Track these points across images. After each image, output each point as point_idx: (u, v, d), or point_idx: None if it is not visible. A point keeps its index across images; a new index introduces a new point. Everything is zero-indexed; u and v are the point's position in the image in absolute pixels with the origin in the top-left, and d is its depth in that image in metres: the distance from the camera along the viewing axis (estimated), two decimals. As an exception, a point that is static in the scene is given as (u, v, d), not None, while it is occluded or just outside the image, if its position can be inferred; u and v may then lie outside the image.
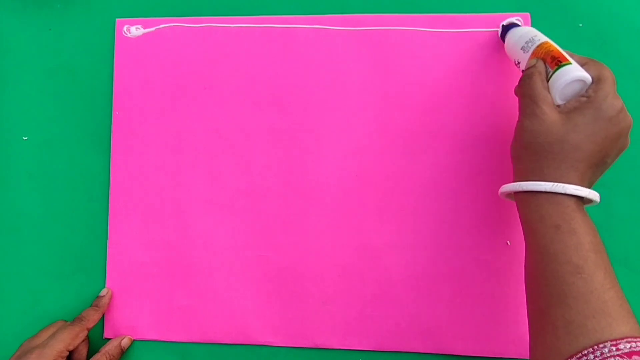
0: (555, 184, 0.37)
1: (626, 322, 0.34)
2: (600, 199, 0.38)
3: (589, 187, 0.38)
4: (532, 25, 0.48)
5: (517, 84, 0.41)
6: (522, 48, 0.42)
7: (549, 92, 0.39)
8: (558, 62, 0.39)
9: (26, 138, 0.51)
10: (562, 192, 0.36)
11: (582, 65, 0.39)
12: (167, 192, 0.49)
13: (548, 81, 0.39)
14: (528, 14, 0.48)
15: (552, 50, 0.40)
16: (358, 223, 0.48)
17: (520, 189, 0.39)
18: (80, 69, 0.51)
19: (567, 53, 0.40)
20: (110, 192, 0.50)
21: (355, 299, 0.47)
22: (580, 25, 0.48)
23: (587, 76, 0.38)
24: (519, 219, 0.46)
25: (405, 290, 0.47)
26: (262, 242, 0.48)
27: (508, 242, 0.46)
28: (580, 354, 0.33)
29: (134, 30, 0.51)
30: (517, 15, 0.48)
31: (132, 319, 0.48)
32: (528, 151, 0.39)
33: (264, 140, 0.49)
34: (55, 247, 0.50)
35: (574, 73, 0.38)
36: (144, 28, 0.51)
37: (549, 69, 0.39)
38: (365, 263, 0.47)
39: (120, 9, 0.51)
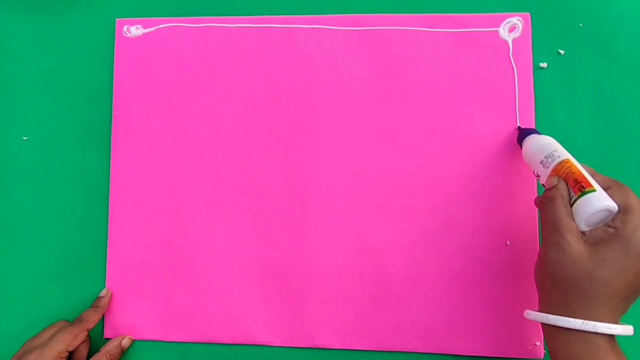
0: (585, 322, 0.35)
1: None
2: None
3: (620, 318, 0.37)
4: (532, 25, 0.48)
5: (538, 198, 0.40)
6: (542, 162, 0.41)
7: (573, 219, 0.37)
8: (582, 188, 0.37)
9: (26, 138, 0.51)
10: (593, 330, 0.35)
11: (607, 188, 0.37)
12: (167, 192, 0.49)
13: (572, 206, 0.38)
14: (528, 14, 0.48)
15: (574, 172, 0.38)
16: (358, 223, 0.48)
17: (548, 322, 0.37)
18: (80, 69, 0.51)
19: (589, 171, 0.39)
20: (110, 192, 0.50)
21: (355, 299, 0.47)
22: (580, 25, 0.48)
23: (613, 205, 0.36)
24: (519, 219, 0.46)
25: (405, 290, 0.47)
26: (262, 242, 0.48)
27: (508, 242, 0.46)
28: None
29: (134, 30, 0.51)
30: (517, 15, 0.48)
31: (132, 319, 0.48)
32: (554, 283, 0.37)
33: (263, 140, 0.49)
34: (55, 247, 0.50)
35: (599, 203, 0.36)
36: (144, 28, 0.51)
37: (572, 193, 0.38)
38: (365, 263, 0.47)
39: (120, 9, 0.51)
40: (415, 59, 0.48)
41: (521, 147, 0.45)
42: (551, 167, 0.40)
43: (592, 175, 0.39)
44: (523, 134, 0.45)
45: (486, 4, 0.49)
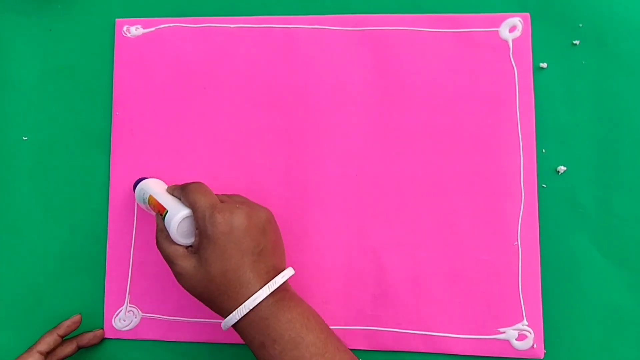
0: (237, 310, 0.37)
1: None
2: (294, 271, 0.40)
3: (275, 271, 0.39)
4: (533, 25, 0.48)
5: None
6: (145, 207, 0.45)
7: (171, 241, 0.40)
8: (159, 214, 0.41)
9: (26, 138, 0.51)
10: (247, 311, 0.37)
11: (179, 198, 0.41)
12: (167, 192, 0.49)
13: None
14: (528, 14, 0.48)
15: (155, 205, 0.42)
16: (358, 223, 0.48)
17: (225, 329, 0.39)
18: (80, 69, 0.51)
19: (170, 189, 0.43)
20: (110, 192, 0.50)
21: (355, 299, 0.47)
22: (580, 25, 0.48)
23: (184, 214, 0.39)
24: (519, 219, 0.46)
25: (405, 290, 0.47)
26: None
27: (515, 243, 0.46)
28: None
29: (134, 30, 0.51)
30: (517, 16, 0.48)
31: (132, 319, 0.48)
32: (202, 300, 0.40)
33: (263, 140, 0.49)
34: (55, 247, 0.50)
35: (172, 221, 0.39)
36: (144, 28, 0.51)
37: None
38: (365, 263, 0.47)
39: (120, 9, 0.51)
40: (415, 59, 0.48)
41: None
42: (149, 208, 0.44)
43: (171, 192, 0.43)
44: (135, 184, 0.47)
45: (486, 4, 0.49)
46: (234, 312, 0.38)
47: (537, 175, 0.47)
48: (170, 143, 0.50)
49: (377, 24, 0.49)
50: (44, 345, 0.45)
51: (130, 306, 0.49)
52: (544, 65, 0.48)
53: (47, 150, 0.51)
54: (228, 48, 0.50)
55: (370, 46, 0.49)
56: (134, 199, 0.49)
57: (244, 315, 0.37)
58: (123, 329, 0.48)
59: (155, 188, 0.44)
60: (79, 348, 0.47)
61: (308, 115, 0.49)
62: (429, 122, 0.48)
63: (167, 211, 0.40)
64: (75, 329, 0.47)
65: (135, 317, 0.48)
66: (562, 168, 0.47)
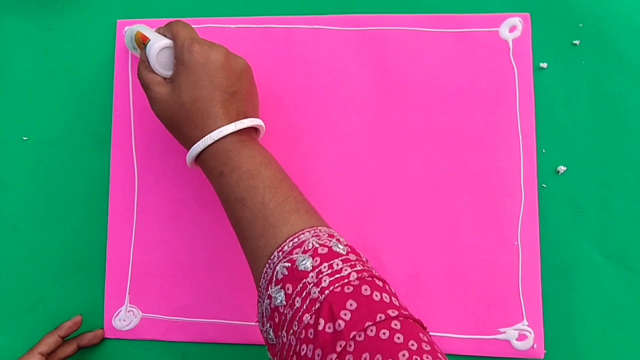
0: (203, 139, 0.39)
1: (286, 223, 0.36)
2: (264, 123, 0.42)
3: (245, 116, 0.41)
4: (533, 25, 0.48)
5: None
6: (134, 47, 0.46)
7: (150, 70, 0.41)
8: (142, 45, 0.42)
9: (26, 138, 0.51)
10: (212, 142, 0.39)
11: (164, 33, 0.42)
12: (167, 191, 0.49)
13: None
14: (528, 14, 0.48)
15: (139, 37, 0.43)
16: (358, 223, 0.47)
17: (189, 160, 0.41)
18: (80, 70, 0.51)
19: (154, 30, 0.43)
20: (110, 192, 0.50)
21: (355, 299, 0.47)
22: (580, 25, 0.48)
23: (164, 42, 0.41)
24: (519, 219, 0.46)
25: (405, 290, 0.47)
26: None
27: (515, 242, 0.46)
28: (263, 274, 0.35)
29: (134, 30, 0.51)
30: (517, 16, 0.48)
31: (132, 319, 0.48)
32: (171, 128, 0.42)
33: (263, 140, 0.49)
34: (55, 247, 0.50)
35: (153, 47, 0.41)
36: (144, 28, 0.51)
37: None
38: (365, 263, 0.47)
39: (120, 9, 0.51)
40: (415, 59, 0.48)
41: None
42: (137, 47, 0.45)
43: (157, 31, 0.43)
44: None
45: (486, 4, 0.49)
46: (199, 142, 0.39)
47: (537, 175, 0.47)
48: (171, 143, 0.49)
49: (377, 24, 0.49)
50: (45, 346, 0.45)
51: (130, 306, 0.49)
52: (544, 65, 0.48)
53: (47, 150, 0.51)
54: (228, 48, 0.50)
55: (370, 46, 0.49)
56: (134, 199, 0.49)
57: (208, 146, 0.39)
58: (123, 329, 0.48)
59: (144, 27, 0.45)
60: (80, 348, 0.47)
61: (308, 115, 0.49)
62: (429, 122, 0.48)
63: (148, 41, 0.42)
64: (76, 330, 0.47)
65: (135, 317, 0.48)
66: (562, 168, 0.47)
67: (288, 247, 0.34)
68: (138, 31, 0.44)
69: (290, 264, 0.33)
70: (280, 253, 0.34)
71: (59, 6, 0.52)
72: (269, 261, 0.35)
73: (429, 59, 0.48)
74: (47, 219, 0.50)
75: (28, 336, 0.48)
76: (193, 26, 0.50)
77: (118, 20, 0.51)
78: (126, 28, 0.48)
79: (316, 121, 0.49)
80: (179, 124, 0.40)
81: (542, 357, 0.45)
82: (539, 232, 0.46)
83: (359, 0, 0.50)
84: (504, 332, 0.46)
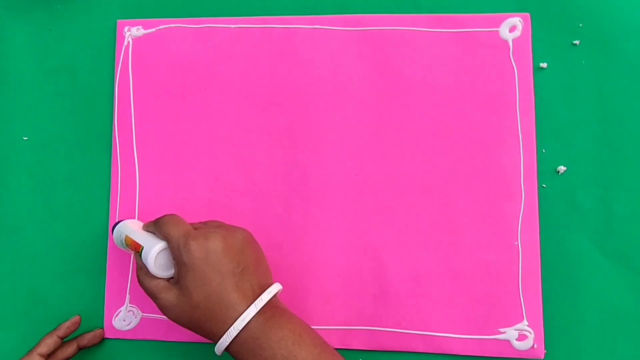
0: (227, 333, 0.37)
1: None
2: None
3: (262, 287, 0.39)
4: (533, 25, 0.48)
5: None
6: (123, 247, 0.45)
7: (151, 276, 0.40)
8: (137, 253, 0.41)
9: (26, 138, 0.51)
10: (237, 333, 0.37)
11: (153, 232, 0.41)
12: (168, 192, 0.49)
13: None
14: (528, 14, 0.48)
15: (130, 244, 0.42)
16: (358, 223, 0.47)
17: (219, 353, 0.39)
18: (80, 70, 0.51)
19: (145, 226, 0.43)
20: (110, 193, 0.50)
21: (355, 299, 0.47)
22: (580, 25, 0.48)
23: (158, 247, 0.40)
24: (519, 219, 0.46)
25: (405, 290, 0.47)
26: (262, 242, 0.48)
27: (515, 242, 0.46)
28: None
29: (135, 31, 0.51)
30: (517, 16, 0.48)
31: (132, 319, 0.48)
32: (191, 329, 0.39)
33: (264, 140, 0.49)
34: (55, 247, 0.50)
35: (148, 256, 0.39)
36: (145, 29, 0.51)
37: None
38: (365, 263, 0.47)
39: (120, 9, 0.51)
40: (415, 59, 0.48)
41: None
42: (127, 248, 0.44)
43: (146, 228, 0.43)
44: (114, 227, 0.46)
45: (486, 4, 0.49)
46: (224, 336, 0.37)
47: (537, 175, 0.47)
48: (171, 143, 0.50)
49: (377, 24, 0.49)
50: (44, 347, 0.45)
51: (130, 306, 0.49)
52: (544, 65, 0.48)
53: (47, 150, 0.51)
54: (228, 48, 0.50)
55: (370, 46, 0.49)
56: (134, 199, 0.49)
57: (235, 337, 0.37)
58: (123, 329, 0.48)
59: (131, 227, 0.44)
60: (80, 349, 0.47)
61: (308, 115, 0.49)
62: (429, 122, 0.48)
63: (142, 247, 0.41)
64: (75, 330, 0.47)
65: (135, 317, 0.48)
66: (562, 168, 0.47)
67: None
68: (127, 236, 0.43)
69: None
70: None
71: (59, 6, 0.52)
72: None
73: (429, 59, 0.48)
74: (47, 219, 0.50)
75: (28, 336, 0.48)
76: (193, 26, 0.50)
77: (118, 21, 0.51)
78: (115, 227, 0.46)
79: (316, 121, 0.49)
80: (198, 324, 0.38)
81: (542, 357, 0.45)
82: (539, 232, 0.46)
83: (359, 0, 0.50)
84: (504, 332, 0.46)
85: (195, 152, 0.49)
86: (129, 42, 0.51)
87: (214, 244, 0.38)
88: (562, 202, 0.47)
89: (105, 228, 0.49)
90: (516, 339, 0.45)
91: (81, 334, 0.48)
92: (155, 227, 0.41)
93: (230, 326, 0.37)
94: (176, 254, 0.38)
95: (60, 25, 0.52)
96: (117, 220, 0.47)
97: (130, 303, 0.49)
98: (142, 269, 0.41)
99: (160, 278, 0.40)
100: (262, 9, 0.50)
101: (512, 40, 0.48)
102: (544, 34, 0.48)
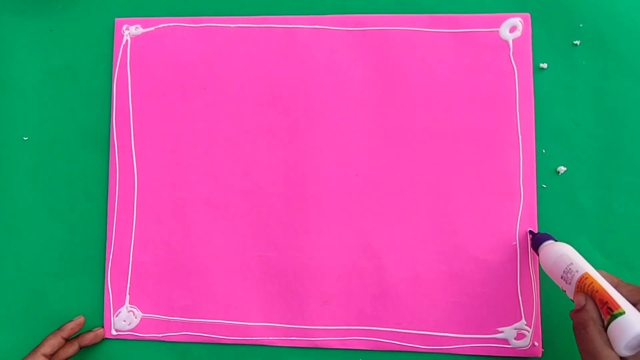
0: None
1: None
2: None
3: None
4: (533, 26, 0.48)
5: (573, 318, 0.38)
6: (563, 278, 0.40)
7: (610, 345, 0.35)
8: (609, 311, 0.35)
9: (26, 138, 0.51)
10: None
11: (636, 303, 0.36)
12: (167, 192, 0.49)
13: (605, 329, 0.36)
14: (528, 14, 0.48)
15: (597, 290, 0.36)
16: (358, 223, 0.48)
17: None
18: (80, 69, 0.51)
19: (613, 282, 0.37)
20: (109, 193, 0.50)
21: (355, 299, 0.47)
22: (581, 25, 0.48)
23: None
24: (518, 219, 0.46)
25: (405, 290, 0.47)
26: (263, 242, 0.48)
27: (514, 242, 0.46)
28: None
29: (133, 29, 0.51)
30: (517, 16, 0.48)
31: (132, 319, 0.48)
32: None
33: (264, 140, 0.49)
34: (55, 247, 0.50)
35: (633, 330, 0.34)
36: (143, 28, 0.51)
37: (602, 315, 0.36)
38: (365, 263, 0.47)
39: (120, 9, 0.51)
40: (415, 59, 0.48)
41: (537, 253, 0.44)
42: (574, 283, 0.38)
43: (617, 287, 0.37)
44: (537, 241, 0.43)
45: (486, 5, 0.49)
46: None
47: (537, 175, 0.47)
48: (170, 143, 0.50)
49: (377, 24, 0.49)
50: (48, 347, 0.45)
51: (130, 306, 0.49)
52: (544, 65, 0.48)
53: (47, 150, 0.50)
54: (228, 48, 0.50)
55: (370, 46, 0.49)
56: (134, 199, 0.49)
57: None
58: (123, 329, 0.48)
59: (588, 266, 0.38)
60: (81, 348, 0.47)
61: (308, 115, 0.49)
62: (428, 122, 0.48)
63: (623, 312, 0.34)
64: (78, 331, 0.47)
65: (135, 317, 0.48)
66: (562, 168, 0.47)
67: None
68: (589, 275, 0.37)
69: None
70: None
71: (59, 6, 0.52)
72: None
73: (429, 59, 0.48)
74: (47, 219, 0.50)
75: (28, 336, 0.48)
76: (192, 25, 0.50)
77: (116, 19, 0.51)
78: (552, 246, 0.41)
79: (316, 121, 0.49)
80: None
81: (540, 356, 0.45)
82: (538, 232, 0.46)
83: (359, 0, 0.50)
84: (503, 332, 0.46)
85: (194, 151, 0.49)
86: (127, 40, 0.51)
87: None
88: (562, 202, 0.47)
89: (105, 228, 0.49)
90: (514, 338, 0.45)
91: (82, 334, 0.48)
92: None
93: None
94: None
95: (60, 25, 0.52)
96: (531, 231, 0.45)
97: (130, 303, 0.49)
98: (595, 324, 0.36)
99: (615, 352, 0.35)
100: (262, 9, 0.50)
101: (512, 41, 0.48)
102: (544, 34, 0.48)
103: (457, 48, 0.48)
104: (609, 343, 0.35)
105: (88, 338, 0.47)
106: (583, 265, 0.39)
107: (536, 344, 0.45)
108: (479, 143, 0.47)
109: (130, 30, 0.51)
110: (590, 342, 0.35)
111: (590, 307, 0.36)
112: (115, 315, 0.48)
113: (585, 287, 0.37)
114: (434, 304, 0.46)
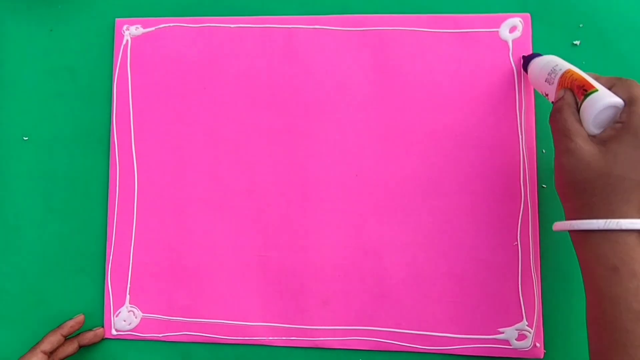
0: (608, 220, 0.34)
1: None
2: None
3: None
4: (533, 26, 0.48)
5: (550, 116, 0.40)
6: (547, 80, 0.41)
7: (581, 124, 0.37)
8: (584, 91, 0.37)
9: (26, 138, 0.51)
10: (617, 228, 0.34)
11: (610, 87, 0.37)
12: (167, 192, 0.49)
13: (579, 111, 0.37)
14: (528, 14, 0.48)
15: (576, 79, 0.38)
16: (358, 223, 0.48)
17: (572, 228, 0.37)
18: (80, 69, 0.51)
19: (593, 76, 0.39)
20: (109, 192, 0.50)
21: (355, 299, 0.47)
22: (580, 25, 0.48)
23: (617, 101, 0.36)
24: (518, 219, 0.46)
25: (405, 290, 0.47)
26: (263, 242, 0.48)
27: (515, 242, 0.46)
28: None
29: (134, 30, 0.51)
30: (517, 16, 0.48)
31: (132, 319, 0.48)
32: (573, 189, 0.37)
33: (264, 140, 0.49)
34: (55, 247, 0.50)
35: (602, 101, 0.36)
36: (144, 28, 0.51)
37: (578, 100, 0.38)
38: (365, 263, 0.47)
39: (120, 9, 0.51)
40: (415, 59, 0.48)
41: (527, 73, 0.45)
42: (556, 81, 0.40)
43: (596, 79, 0.38)
44: (527, 60, 0.45)
45: (486, 5, 0.49)
46: (601, 220, 0.34)
47: (537, 175, 0.47)
48: (170, 143, 0.50)
49: (377, 24, 0.49)
50: (48, 344, 0.45)
51: (130, 306, 0.49)
52: (544, 65, 0.48)
53: (47, 150, 0.50)
54: (228, 48, 0.50)
55: (370, 46, 0.49)
56: (134, 199, 0.49)
57: (607, 231, 0.34)
58: (123, 329, 0.48)
59: (572, 66, 0.40)
60: (80, 347, 0.47)
61: (308, 115, 0.49)
62: (429, 122, 0.48)
63: (595, 90, 0.36)
64: (78, 329, 0.47)
65: (135, 317, 0.48)
66: (562, 168, 0.47)
67: None
68: (571, 70, 0.39)
69: None
70: None
71: (60, 6, 0.52)
72: None
73: (429, 60, 0.48)
74: (47, 219, 0.50)
75: (28, 336, 0.48)
76: (192, 25, 0.50)
77: (117, 19, 0.51)
78: (536, 58, 0.44)
79: (316, 121, 0.49)
80: (586, 190, 0.35)
81: (541, 357, 0.45)
82: (539, 232, 0.46)
83: (359, 0, 0.50)
84: (504, 332, 0.46)
85: (194, 152, 0.49)
86: (127, 40, 0.51)
87: None
88: (562, 202, 0.47)
89: (105, 228, 0.49)
90: (516, 339, 0.45)
91: (82, 333, 0.48)
92: (619, 82, 0.37)
93: (616, 220, 0.34)
94: (635, 119, 0.34)
95: (60, 26, 0.52)
96: (525, 55, 0.46)
97: (130, 303, 0.49)
98: (570, 107, 0.37)
99: (583, 128, 0.37)
100: (262, 9, 0.50)
101: (512, 41, 0.48)
102: (544, 35, 0.48)
103: (457, 48, 0.48)
104: (580, 121, 0.37)
105: (88, 337, 0.47)
106: (567, 65, 0.40)
107: (538, 344, 0.45)
108: (479, 143, 0.47)
109: (130, 31, 0.51)
110: (563, 121, 0.37)
111: (568, 94, 0.38)
112: (115, 315, 0.48)
113: (566, 80, 0.39)
114: (434, 304, 0.46)
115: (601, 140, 0.36)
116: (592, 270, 0.36)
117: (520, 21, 0.48)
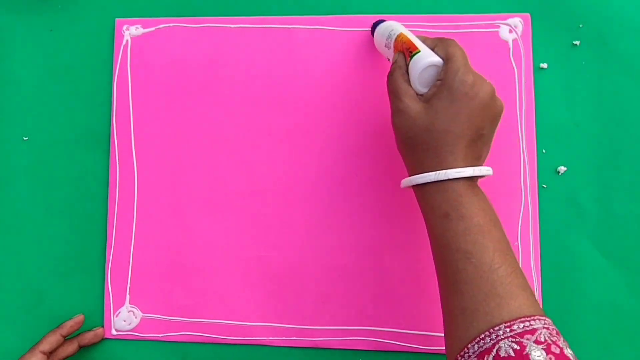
0: (437, 172, 0.37)
1: (514, 298, 0.34)
2: (493, 171, 0.39)
3: (479, 162, 0.39)
4: (533, 26, 0.48)
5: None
6: (386, 45, 0.43)
7: (410, 84, 0.39)
8: (410, 53, 0.39)
9: (26, 138, 0.51)
10: (445, 178, 0.37)
11: (433, 47, 0.40)
12: (167, 191, 0.49)
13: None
14: (528, 14, 0.48)
15: (405, 42, 0.41)
16: (358, 223, 0.48)
17: (411, 184, 0.39)
18: (80, 69, 0.51)
19: (420, 38, 0.41)
20: (109, 192, 0.50)
21: (355, 299, 0.47)
22: (580, 25, 0.48)
23: (436, 60, 0.38)
24: (519, 219, 0.46)
25: (405, 290, 0.47)
26: (263, 242, 0.48)
27: (516, 242, 0.46)
28: (477, 338, 0.33)
29: (134, 30, 0.51)
30: (517, 16, 0.48)
31: (132, 319, 0.48)
32: (406, 146, 0.39)
33: (263, 140, 0.49)
34: (55, 247, 0.50)
35: (423, 61, 0.38)
36: (144, 28, 0.51)
37: (407, 61, 0.40)
38: (365, 263, 0.47)
39: (120, 9, 0.51)
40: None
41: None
42: (392, 45, 0.42)
43: (424, 41, 0.41)
44: (374, 26, 0.47)
45: (487, 5, 0.49)
46: (431, 173, 0.37)
47: (537, 175, 0.47)
48: (170, 143, 0.50)
49: (377, 24, 0.49)
50: (47, 345, 0.45)
51: (130, 306, 0.49)
52: (544, 65, 0.48)
53: (47, 150, 0.50)
54: (228, 48, 0.50)
55: (370, 46, 0.49)
56: (134, 200, 0.49)
57: (439, 182, 0.37)
58: (123, 329, 0.48)
59: (405, 29, 0.42)
60: (80, 347, 0.47)
61: (308, 115, 0.49)
62: (429, 122, 0.48)
63: (418, 51, 0.39)
64: (77, 329, 0.47)
65: (135, 317, 0.48)
66: (562, 168, 0.47)
67: (518, 328, 0.32)
68: (402, 34, 0.41)
69: (519, 347, 0.31)
70: (508, 329, 0.32)
71: (59, 6, 0.52)
72: (491, 330, 0.33)
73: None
74: (47, 218, 0.50)
75: (28, 336, 0.48)
76: (192, 26, 0.50)
77: (117, 19, 0.51)
78: (381, 24, 0.45)
79: (316, 121, 0.49)
80: (417, 146, 0.38)
81: (541, 357, 0.45)
82: (539, 232, 0.46)
83: (359, 1, 0.50)
84: None
85: (194, 151, 0.49)
86: (127, 40, 0.51)
87: (484, 94, 0.37)
88: (562, 202, 0.47)
89: (105, 228, 0.49)
90: None
91: (82, 333, 0.48)
92: (439, 42, 0.40)
93: (444, 170, 0.37)
94: (449, 76, 0.37)
95: (60, 25, 0.52)
96: (374, 22, 0.47)
97: (130, 303, 0.49)
98: (401, 69, 0.40)
99: (412, 88, 0.39)
100: (262, 9, 0.50)
101: (512, 41, 0.48)
102: (544, 34, 0.48)
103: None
104: (409, 82, 0.39)
105: (87, 337, 0.47)
106: (400, 29, 0.42)
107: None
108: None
109: (130, 31, 0.51)
110: (394, 82, 0.40)
111: (399, 58, 0.40)
112: (115, 315, 0.48)
113: (398, 44, 0.41)
114: (434, 304, 0.46)
115: (426, 98, 0.38)
116: (429, 220, 0.38)
117: (520, 21, 0.48)
